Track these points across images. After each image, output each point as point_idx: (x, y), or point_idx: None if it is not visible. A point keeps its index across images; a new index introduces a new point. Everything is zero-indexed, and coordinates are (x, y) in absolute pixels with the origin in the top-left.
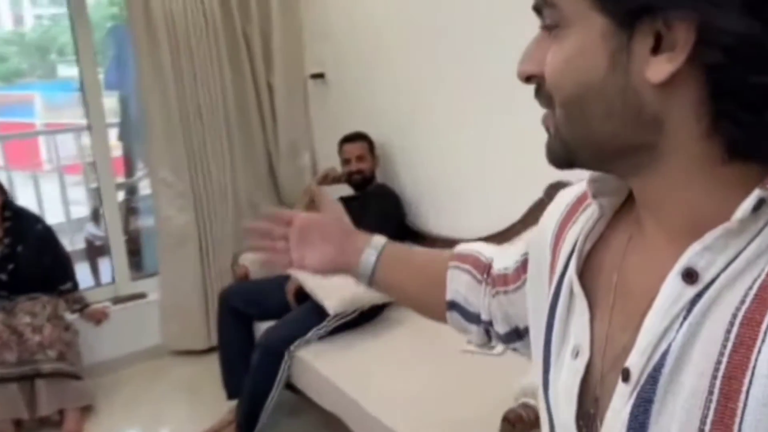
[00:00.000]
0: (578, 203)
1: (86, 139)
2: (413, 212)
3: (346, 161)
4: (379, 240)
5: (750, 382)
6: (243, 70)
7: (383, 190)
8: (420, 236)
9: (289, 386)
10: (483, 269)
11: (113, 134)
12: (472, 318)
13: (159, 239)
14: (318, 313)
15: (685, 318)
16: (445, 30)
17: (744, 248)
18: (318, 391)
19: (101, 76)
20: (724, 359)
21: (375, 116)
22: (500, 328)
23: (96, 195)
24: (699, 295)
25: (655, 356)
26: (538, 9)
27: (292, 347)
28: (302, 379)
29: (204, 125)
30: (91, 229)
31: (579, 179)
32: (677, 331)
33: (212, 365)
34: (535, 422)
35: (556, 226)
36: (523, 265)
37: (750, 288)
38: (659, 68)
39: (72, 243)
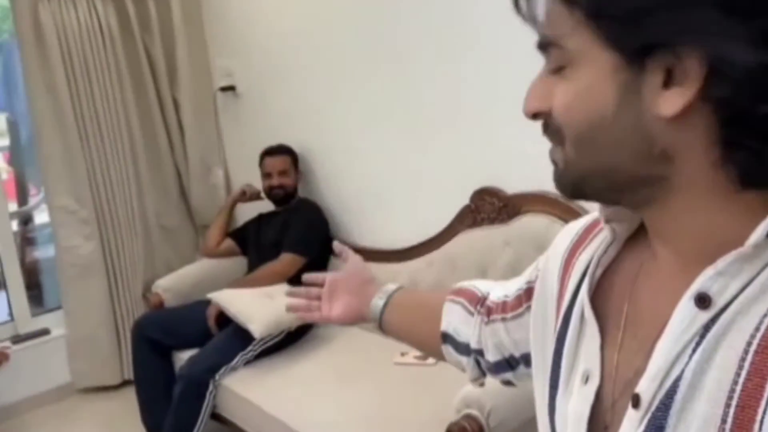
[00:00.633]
0: (587, 232)
1: None
2: (337, 224)
3: (267, 175)
4: (390, 286)
5: (764, 411)
6: (146, 86)
7: (306, 205)
8: None
9: (215, 416)
10: (477, 302)
11: (2, 158)
12: (462, 349)
13: (61, 270)
14: (243, 337)
15: (698, 344)
16: (360, 34)
17: (758, 274)
18: (248, 419)
19: None
20: (738, 387)
21: (290, 127)
22: (491, 356)
23: None
24: (713, 321)
25: (667, 382)
26: (543, 48)
27: (217, 376)
28: (230, 408)
29: (105, 146)
30: None
31: (509, 186)
32: (690, 357)
33: (128, 400)
34: None
35: (565, 253)
36: (526, 293)
37: (765, 315)
38: (670, 102)
39: None
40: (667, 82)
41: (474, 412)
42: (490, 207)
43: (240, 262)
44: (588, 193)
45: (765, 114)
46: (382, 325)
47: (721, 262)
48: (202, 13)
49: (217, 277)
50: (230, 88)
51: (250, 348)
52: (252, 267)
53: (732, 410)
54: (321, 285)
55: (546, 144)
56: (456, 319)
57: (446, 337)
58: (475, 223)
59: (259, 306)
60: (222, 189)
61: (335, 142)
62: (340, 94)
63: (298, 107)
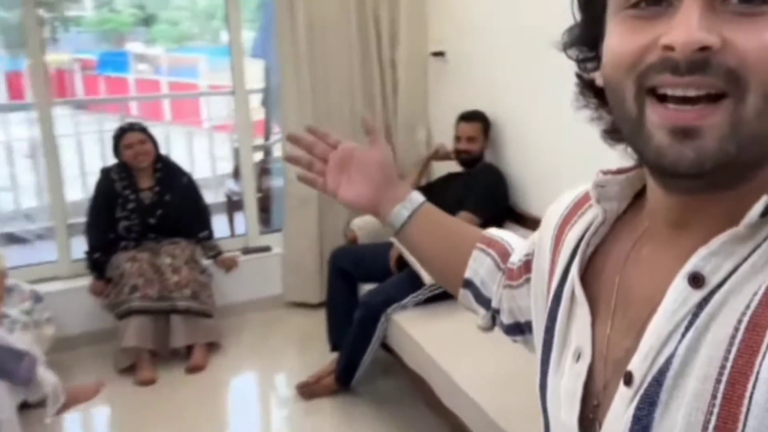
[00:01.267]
0: (576, 207)
1: None
2: (517, 193)
3: (457, 139)
4: (417, 198)
5: (754, 387)
6: (370, 45)
7: (489, 170)
8: (522, 218)
9: (385, 346)
10: (506, 258)
11: (258, 99)
12: (483, 302)
13: (285, 199)
14: (415, 281)
15: (691, 322)
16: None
17: (751, 253)
18: (410, 354)
19: (250, 44)
20: (729, 364)
21: (491, 95)
22: (505, 318)
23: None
24: (705, 300)
25: (660, 360)
26: None
27: (389, 310)
28: (397, 341)
29: (330, 97)
30: (231, 185)
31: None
32: (683, 335)
33: (321, 320)
34: None
35: (555, 229)
36: (525, 265)
37: (756, 293)
38: None
39: (215, 196)
40: None
41: None
42: None
43: None
44: (741, 163)
45: None
46: (400, 236)
47: (715, 242)
48: None
49: None
50: (440, 54)
51: (419, 291)
52: None
53: (722, 386)
54: (331, 146)
55: None
56: (484, 272)
57: (469, 284)
58: None
59: None
60: (423, 146)
61: (530, 115)
62: (543, 72)
63: (498, 77)
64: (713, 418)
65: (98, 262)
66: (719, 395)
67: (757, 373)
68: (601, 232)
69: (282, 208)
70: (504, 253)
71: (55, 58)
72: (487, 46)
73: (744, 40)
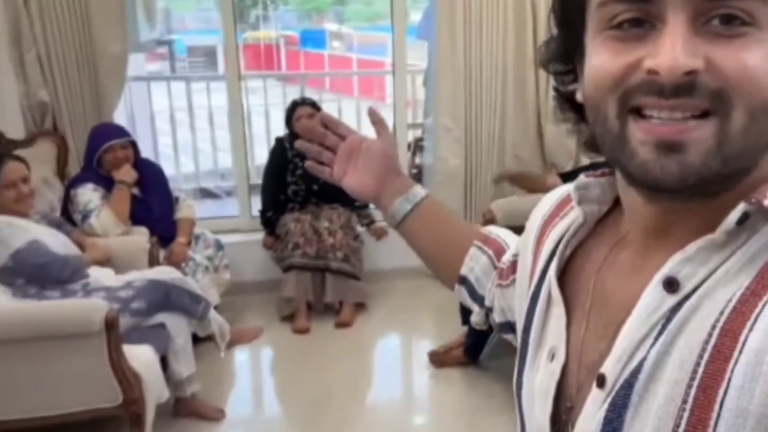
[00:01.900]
0: (558, 208)
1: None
2: None
3: None
4: (420, 191)
5: (725, 393)
6: (525, 30)
7: None
8: None
9: None
10: (502, 256)
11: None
12: (477, 298)
13: (434, 176)
14: None
15: (664, 326)
16: None
17: (726, 260)
18: None
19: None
20: (701, 369)
21: None
22: (497, 317)
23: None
24: (679, 305)
25: (632, 363)
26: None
27: None
28: None
29: (482, 81)
30: None
31: None
32: (655, 339)
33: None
34: None
35: (538, 230)
36: (513, 265)
37: (730, 300)
38: None
39: None
40: None
41: None
42: None
43: None
44: (723, 176)
45: None
46: (400, 228)
47: (691, 248)
48: None
49: None
50: None
51: None
52: None
53: (693, 391)
54: (340, 136)
55: None
56: (479, 270)
57: (464, 281)
58: None
59: None
60: (573, 135)
61: None
62: None
63: None
64: (683, 423)
65: (270, 220)
66: (690, 399)
67: (729, 379)
68: (580, 235)
69: (431, 184)
70: (500, 252)
71: (265, 34)
72: None
73: (726, 60)
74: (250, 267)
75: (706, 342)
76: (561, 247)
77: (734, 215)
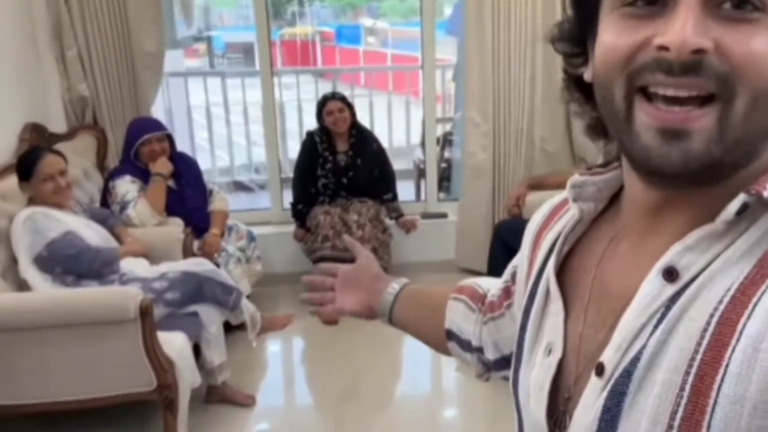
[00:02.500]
0: (553, 213)
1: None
2: None
3: None
4: (399, 282)
5: (722, 380)
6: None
7: None
8: None
9: None
10: (478, 299)
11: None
12: (466, 346)
13: (463, 170)
14: None
15: (663, 315)
16: None
17: (725, 249)
18: None
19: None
20: (698, 356)
21: None
22: (490, 355)
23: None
24: (678, 294)
25: (631, 351)
26: None
27: None
28: None
29: (511, 78)
30: (419, 153)
31: None
32: (654, 327)
33: None
34: None
35: (533, 236)
36: (505, 291)
37: (729, 289)
38: None
39: (408, 163)
40: None
41: None
42: None
43: None
44: (724, 163)
45: None
46: (392, 320)
47: (690, 238)
48: None
49: None
50: None
51: None
52: None
53: (691, 378)
54: (335, 276)
55: None
56: (458, 317)
57: (450, 335)
58: None
59: None
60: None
61: None
62: None
63: None
64: (680, 409)
65: (300, 213)
66: (687, 387)
67: (726, 366)
68: (577, 231)
69: (459, 178)
70: (473, 295)
71: (301, 30)
72: None
73: (734, 45)
74: (282, 258)
75: (705, 330)
76: (558, 243)
77: (734, 206)
